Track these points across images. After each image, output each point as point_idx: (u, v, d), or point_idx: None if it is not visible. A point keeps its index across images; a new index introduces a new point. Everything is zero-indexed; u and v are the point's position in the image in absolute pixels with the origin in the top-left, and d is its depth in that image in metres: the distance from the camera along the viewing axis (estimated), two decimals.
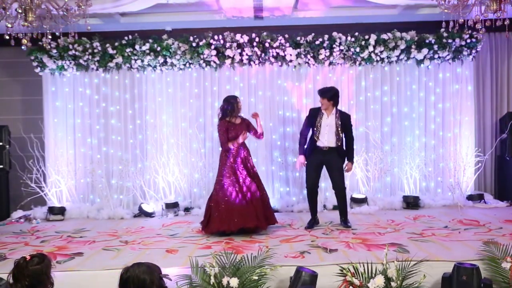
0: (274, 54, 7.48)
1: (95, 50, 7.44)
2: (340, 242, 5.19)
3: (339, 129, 5.92)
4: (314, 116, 6.03)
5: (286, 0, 6.92)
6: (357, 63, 7.60)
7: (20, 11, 4.64)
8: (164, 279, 2.80)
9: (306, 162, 6.04)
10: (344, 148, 6.05)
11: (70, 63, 7.52)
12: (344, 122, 5.98)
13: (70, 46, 7.36)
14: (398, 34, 7.43)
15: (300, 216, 6.88)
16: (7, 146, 7.49)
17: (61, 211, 7.26)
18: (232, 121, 5.96)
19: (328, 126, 5.91)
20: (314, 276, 3.98)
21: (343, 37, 7.40)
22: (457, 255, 4.49)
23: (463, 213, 6.69)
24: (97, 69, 7.66)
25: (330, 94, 5.93)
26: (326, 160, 5.99)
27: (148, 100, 7.73)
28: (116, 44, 7.45)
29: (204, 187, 7.48)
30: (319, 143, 5.95)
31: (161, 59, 7.49)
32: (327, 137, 5.92)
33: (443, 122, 7.76)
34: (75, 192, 7.64)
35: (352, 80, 7.71)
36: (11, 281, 2.83)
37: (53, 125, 7.70)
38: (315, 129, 5.98)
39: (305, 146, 6.09)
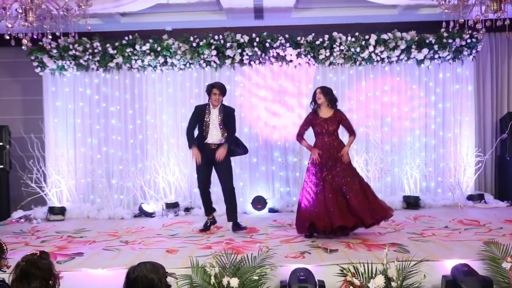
0: (275, 54, 7.48)
1: (96, 50, 7.45)
2: (340, 242, 5.18)
3: (222, 124, 5.86)
4: (201, 114, 5.93)
5: (286, 0, 6.92)
6: (357, 63, 7.60)
7: (20, 11, 4.64)
8: (167, 278, 2.81)
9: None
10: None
11: (71, 63, 7.52)
12: (228, 117, 5.91)
13: (71, 46, 7.36)
14: (398, 34, 7.43)
15: None
16: (8, 146, 7.49)
17: (61, 211, 7.26)
18: (319, 115, 5.60)
19: (214, 121, 5.87)
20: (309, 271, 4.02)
21: (343, 37, 7.40)
22: (457, 255, 4.49)
23: (463, 213, 6.69)
24: (97, 69, 7.66)
25: (225, 88, 5.96)
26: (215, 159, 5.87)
27: (149, 100, 7.73)
28: (117, 44, 7.45)
29: None
30: (207, 140, 5.87)
31: (161, 59, 7.49)
32: (215, 133, 5.86)
33: (444, 122, 7.77)
34: (75, 192, 7.64)
35: (352, 80, 7.72)
36: (11, 280, 2.82)
37: (53, 125, 7.70)
38: (203, 126, 5.89)
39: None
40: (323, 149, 5.54)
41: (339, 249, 4.90)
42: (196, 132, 6.00)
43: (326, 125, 5.57)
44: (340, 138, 5.68)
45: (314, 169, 5.55)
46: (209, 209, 6.11)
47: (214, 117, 5.88)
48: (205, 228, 6.05)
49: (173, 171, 7.57)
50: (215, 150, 5.82)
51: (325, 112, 5.62)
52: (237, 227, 5.93)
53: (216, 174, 6.00)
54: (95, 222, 6.91)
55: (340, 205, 5.38)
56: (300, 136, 5.76)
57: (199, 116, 5.94)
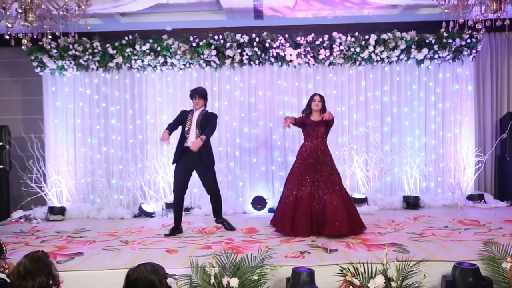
0: (274, 54, 7.48)
1: (95, 50, 7.45)
2: (340, 242, 5.18)
3: (200, 125, 5.89)
4: (183, 117, 6.04)
5: (286, 0, 6.92)
6: (357, 63, 7.60)
7: (20, 11, 4.64)
8: (167, 279, 2.82)
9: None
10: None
11: (70, 63, 7.53)
12: (207, 119, 5.96)
13: (70, 46, 7.37)
14: (398, 34, 7.43)
15: None
16: (7, 146, 7.49)
17: (61, 211, 7.26)
18: (311, 118, 5.88)
19: (193, 124, 5.94)
20: (311, 274, 3.99)
21: (343, 37, 7.41)
22: (457, 255, 4.49)
23: (463, 213, 6.69)
24: (97, 69, 7.67)
25: (205, 93, 6.06)
26: (196, 164, 5.93)
27: (148, 100, 7.74)
28: (116, 44, 7.45)
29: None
30: (187, 144, 5.90)
31: (161, 59, 7.49)
32: (193, 136, 5.89)
33: (443, 122, 7.76)
34: (75, 192, 7.64)
35: (352, 80, 7.72)
36: (11, 277, 2.82)
37: (53, 125, 7.70)
38: (185, 129, 5.96)
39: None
40: (310, 151, 5.74)
41: (339, 249, 4.90)
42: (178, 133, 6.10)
43: (317, 127, 5.78)
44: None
45: (298, 169, 5.75)
46: (178, 219, 6.01)
47: (194, 120, 5.98)
48: (171, 233, 5.90)
49: (173, 171, 7.55)
50: (194, 153, 5.77)
51: (316, 117, 5.87)
52: (223, 222, 6.12)
53: (200, 179, 6.11)
54: (95, 222, 6.91)
55: (311, 213, 5.55)
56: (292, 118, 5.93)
57: (181, 118, 6.06)
